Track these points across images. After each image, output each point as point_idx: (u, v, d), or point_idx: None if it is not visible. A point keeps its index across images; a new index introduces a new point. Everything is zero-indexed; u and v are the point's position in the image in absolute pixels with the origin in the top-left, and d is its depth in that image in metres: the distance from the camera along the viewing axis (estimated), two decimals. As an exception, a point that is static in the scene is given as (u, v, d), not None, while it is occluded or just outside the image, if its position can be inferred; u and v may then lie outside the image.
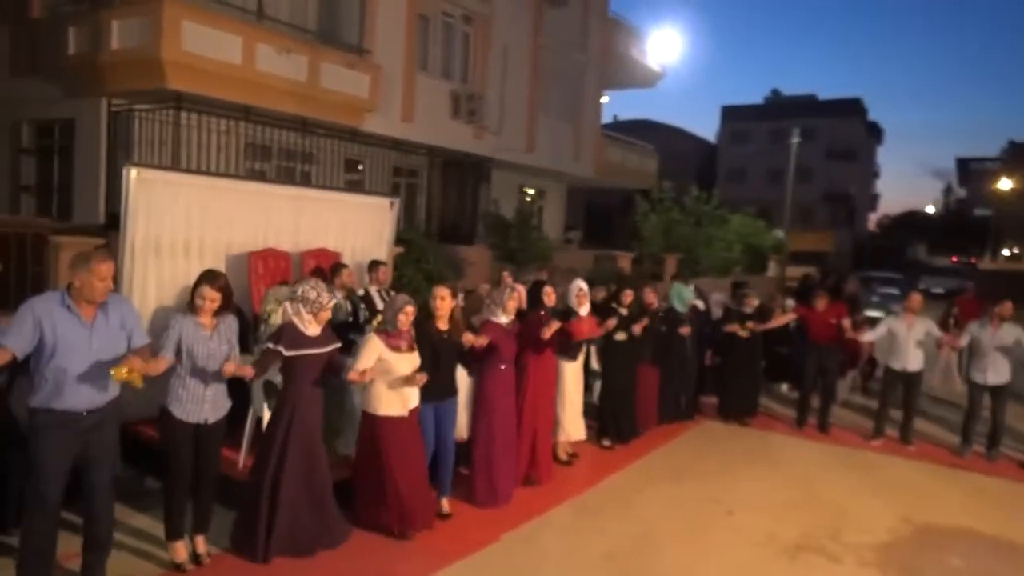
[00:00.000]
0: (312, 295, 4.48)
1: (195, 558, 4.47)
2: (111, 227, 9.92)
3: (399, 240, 8.89)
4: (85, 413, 3.82)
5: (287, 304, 4.61)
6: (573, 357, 6.58)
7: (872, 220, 66.92)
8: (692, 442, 7.85)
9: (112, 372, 3.69)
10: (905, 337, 7.86)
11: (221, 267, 6.57)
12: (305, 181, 12.41)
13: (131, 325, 4.01)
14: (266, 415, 5.34)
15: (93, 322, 3.82)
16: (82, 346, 3.77)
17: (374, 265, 7.61)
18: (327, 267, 7.11)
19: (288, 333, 4.46)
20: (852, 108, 53.56)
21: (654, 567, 4.94)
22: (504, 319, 5.57)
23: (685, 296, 8.08)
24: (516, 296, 5.69)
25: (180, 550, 4.41)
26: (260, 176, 11.75)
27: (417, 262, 9.92)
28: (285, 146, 12.48)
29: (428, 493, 5.18)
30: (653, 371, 7.74)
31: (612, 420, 7.24)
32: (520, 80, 17.07)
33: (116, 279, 5.97)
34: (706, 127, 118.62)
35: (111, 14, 10.12)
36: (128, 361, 3.73)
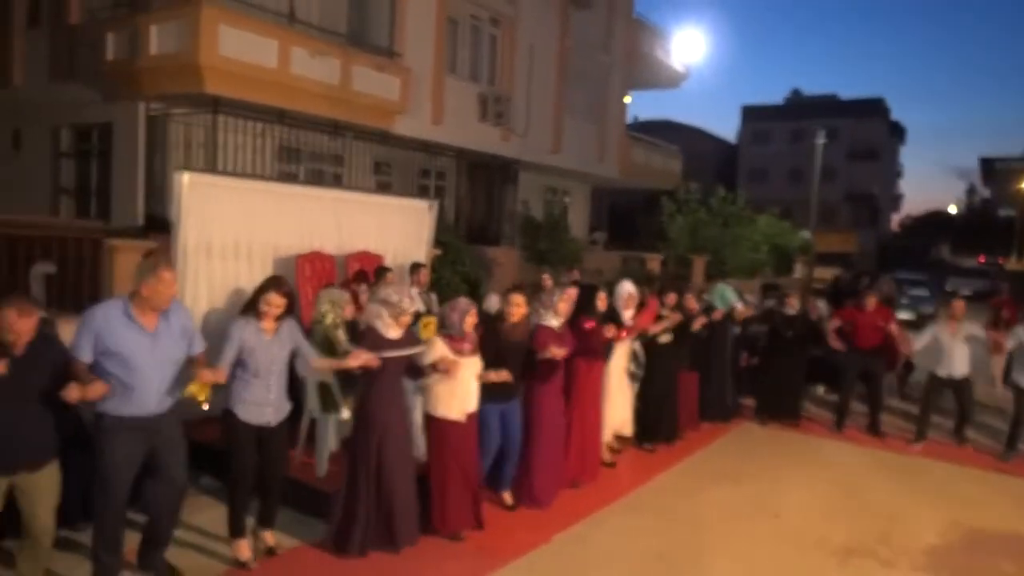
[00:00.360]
0: (394, 299, 4.54)
1: (268, 551, 4.58)
2: (150, 229, 10.09)
3: (436, 242, 8.95)
4: (151, 417, 3.91)
5: (370, 307, 4.67)
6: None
7: (895, 220, 66.33)
8: (732, 444, 7.83)
9: (187, 392, 3.87)
10: (950, 344, 7.81)
11: (269, 269, 6.67)
12: (335, 183, 12.52)
13: (191, 331, 4.13)
14: (327, 418, 5.42)
15: (156, 329, 3.90)
16: (146, 354, 3.85)
17: (415, 268, 7.69)
18: (370, 270, 7.18)
19: (369, 337, 4.52)
20: (874, 108, 53.16)
21: (706, 569, 4.94)
22: (555, 323, 5.60)
23: (728, 298, 8.08)
24: (567, 298, 5.71)
25: (244, 548, 4.47)
26: (292, 178, 11.86)
27: (453, 264, 9.99)
28: (316, 149, 12.60)
29: (478, 497, 5.17)
30: (692, 373, 7.73)
31: (653, 422, 7.24)
32: (546, 82, 17.10)
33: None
34: (725, 127, 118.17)
35: (149, 19, 10.26)
36: (200, 375, 3.88)
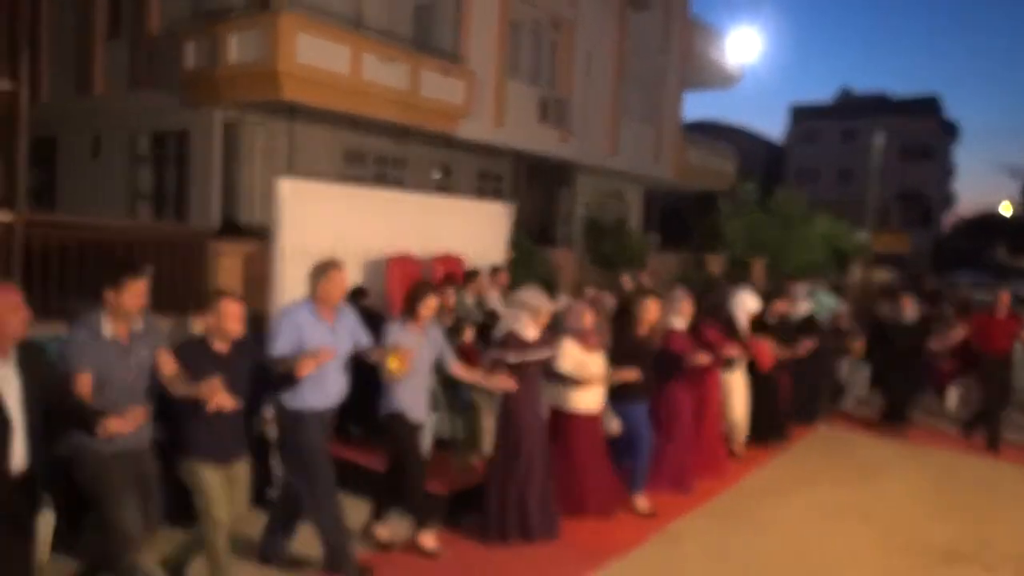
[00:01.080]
0: (534, 302, 4.69)
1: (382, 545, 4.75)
2: (225, 232, 10.38)
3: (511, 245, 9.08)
4: (330, 409, 4.25)
5: (508, 311, 4.83)
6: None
7: (948, 220, 64.63)
8: (815, 448, 7.80)
9: (391, 366, 4.16)
10: None
11: (360, 272, 6.87)
12: (398, 186, 12.73)
13: (358, 327, 4.40)
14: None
15: (334, 326, 4.21)
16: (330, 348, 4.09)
17: (495, 270, 7.82)
18: (458, 273, 7.31)
19: (512, 341, 4.67)
20: (927, 106, 51.98)
21: (806, 572, 4.95)
22: (680, 324, 5.73)
23: (828, 304, 8.04)
24: (688, 301, 5.84)
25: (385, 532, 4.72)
26: (358, 182, 12.10)
27: (527, 266, 10.11)
28: (381, 153, 12.83)
29: (614, 486, 5.40)
30: (786, 376, 7.71)
31: (755, 421, 7.22)
32: (604, 83, 17.13)
33: (270, 284, 6.31)
34: (770, 126, 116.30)
35: (228, 28, 10.55)
36: (396, 351, 4.18)
